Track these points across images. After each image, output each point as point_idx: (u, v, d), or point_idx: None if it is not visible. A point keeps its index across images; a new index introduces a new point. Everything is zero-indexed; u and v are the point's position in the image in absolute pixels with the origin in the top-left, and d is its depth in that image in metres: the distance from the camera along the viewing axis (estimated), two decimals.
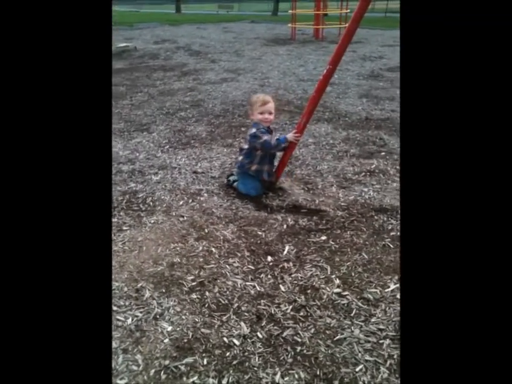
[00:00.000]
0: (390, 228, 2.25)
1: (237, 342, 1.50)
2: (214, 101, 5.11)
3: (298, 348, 1.48)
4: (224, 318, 1.62)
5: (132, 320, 1.61)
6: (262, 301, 1.71)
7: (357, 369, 1.39)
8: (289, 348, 1.47)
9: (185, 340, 1.51)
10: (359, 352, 1.46)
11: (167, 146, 3.61)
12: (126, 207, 2.50)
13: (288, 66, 7.46)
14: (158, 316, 1.63)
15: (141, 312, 1.65)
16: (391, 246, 2.08)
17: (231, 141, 3.71)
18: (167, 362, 1.42)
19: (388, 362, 1.41)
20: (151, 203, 2.56)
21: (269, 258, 1.99)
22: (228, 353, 1.46)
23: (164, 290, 1.77)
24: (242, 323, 1.59)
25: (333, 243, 2.11)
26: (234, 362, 1.42)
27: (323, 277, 1.85)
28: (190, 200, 2.59)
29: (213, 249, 2.06)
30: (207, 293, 1.75)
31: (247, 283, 1.82)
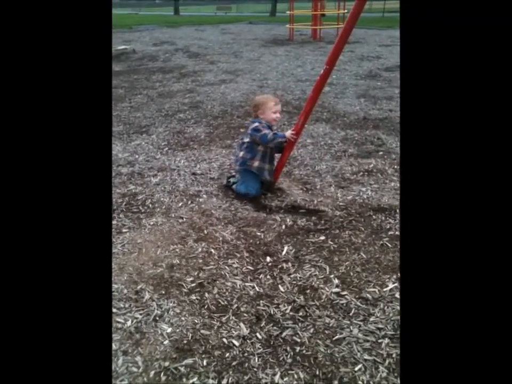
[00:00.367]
0: (388, 227, 2.26)
1: (236, 343, 1.51)
2: (212, 102, 5.12)
3: (298, 348, 1.48)
4: (223, 319, 1.62)
5: (132, 322, 1.61)
6: (261, 301, 1.71)
7: (356, 369, 1.40)
8: (288, 348, 1.48)
9: (185, 341, 1.52)
10: (358, 351, 1.46)
11: (166, 148, 3.62)
12: (125, 209, 2.51)
13: (287, 67, 7.48)
14: (157, 318, 1.63)
15: (140, 314, 1.65)
16: (389, 245, 2.09)
17: (230, 142, 3.71)
18: (167, 363, 1.42)
19: (387, 361, 1.42)
20: (150, 205, 2.57)
21: (268, 258, 2.00)
22: (227, 354, 1.46)
23: (163, 292, 1.78)
24: (241, 324, 1.60)
25: (331, 243, 2.12)
26: (234, 363, 1.43)
27: (322, 276, 1.86)
28: (189, 202, 2.59)
29: (212, 250, 2.07)
30: (206, 294, 1.76)
31: (246, 284, 1.83)
